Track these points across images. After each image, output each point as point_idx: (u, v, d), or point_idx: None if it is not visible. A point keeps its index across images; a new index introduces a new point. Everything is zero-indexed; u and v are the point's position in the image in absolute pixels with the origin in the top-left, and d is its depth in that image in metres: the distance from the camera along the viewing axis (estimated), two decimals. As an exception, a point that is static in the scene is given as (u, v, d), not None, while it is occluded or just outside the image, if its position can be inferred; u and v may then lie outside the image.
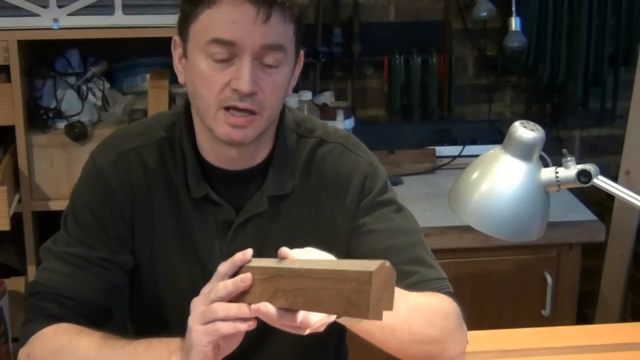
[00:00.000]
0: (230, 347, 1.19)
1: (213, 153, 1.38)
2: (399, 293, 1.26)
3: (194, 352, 1.16)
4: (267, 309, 1.10)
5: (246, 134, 1.29)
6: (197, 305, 1.17)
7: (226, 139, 1.29)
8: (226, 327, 1.14)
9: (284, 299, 1.10)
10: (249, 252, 1.17)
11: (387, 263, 1.03)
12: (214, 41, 1.25)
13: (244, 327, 1.14)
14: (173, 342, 1.23)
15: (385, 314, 1.05)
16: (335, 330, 1.40)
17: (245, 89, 1.25)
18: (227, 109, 1.28)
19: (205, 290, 1.18)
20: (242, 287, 1.14)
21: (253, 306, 1.12)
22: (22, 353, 1.35)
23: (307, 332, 1.11)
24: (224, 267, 1.18)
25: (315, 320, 1.10)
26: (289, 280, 1.09)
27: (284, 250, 1.15)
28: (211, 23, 1.26)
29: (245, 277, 1.14)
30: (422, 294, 1.33)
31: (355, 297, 1.02)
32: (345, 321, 1.18)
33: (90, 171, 1.41)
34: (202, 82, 1.28)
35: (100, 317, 1.38)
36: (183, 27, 1.31)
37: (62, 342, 1.31)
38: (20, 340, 1.37)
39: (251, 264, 1.17)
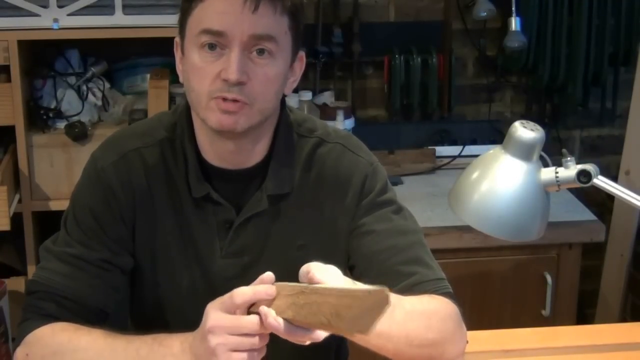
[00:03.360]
0: None
1: (213, 151, 1.38)
2: (395, 299, 1.26)
3: None
4: (278, 323, 1.12)
5: (236, 121, 1.29)
6: (220, 320, 1.16)
7: (217, 126, 1.29)
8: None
9: (293, 311, 1.12)
10: (273, 289, 1.16)
11: (387, 290, 1.05)
12: (204, 32, 1.27)
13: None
14: (174, 345, 1.23)
15: (382, 321, 1.06)
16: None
17: (232, 77, 1.25)
18: (217, 98, 1.28)
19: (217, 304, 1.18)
20: (264, 297, 1.15)
21: (264, 312, 1.13)
22: (20, 352, 1.35)
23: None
24: (242, 291, 1.16)
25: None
26: (307, 296, 1.11)
27: (314, 276, 1.15)
28: (202, 15, 1.27)
29: (269, 291, 1.15)
30: (419, 297, 1.33)
31: (345, 311, 1.05)
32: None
33: (91, 172, 1.41)
34: (194, 74, 1.29)
35: (97, 318, 1.38)
36: (181, 25, 1.33)
37: (61, 341, 1.31)
38: (16, 339, 1.37)
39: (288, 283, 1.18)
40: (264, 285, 1.15)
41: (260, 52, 1.28)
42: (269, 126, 1.39)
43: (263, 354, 1.18)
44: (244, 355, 1.15)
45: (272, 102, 1.34)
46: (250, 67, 1.28)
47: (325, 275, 1.15)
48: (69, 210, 1.42)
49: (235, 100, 1.28)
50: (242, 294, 1.15)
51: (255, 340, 1.15)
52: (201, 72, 1.28)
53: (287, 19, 1.30)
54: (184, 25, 1.32)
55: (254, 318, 1.15)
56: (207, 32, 1.26)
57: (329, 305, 1.07)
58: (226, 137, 1.33)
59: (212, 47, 1.27)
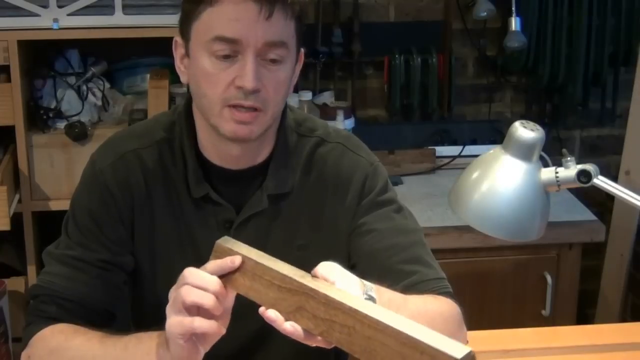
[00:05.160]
0: (209, 342, 1.16)
1: (215, 152, 1.38)
2: (400, 299, 1.25)
3: (171, 343, 1.15)
4: (296, 329, 1.07)
5: (251, 130, 1.29)
6: (172, 294, 1.16)
7: (232, 135, 1.30)
8: (201, 325, 1.12)
9: (313, 323, 1.05)
10: (238, 259, 1.15)
11: (472, 352, 0.93)
12: (217, 39, 1.26)
13: (215, 329, 1.13)
14: (160, 335, 1.23)
15: None
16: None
17: (249, 85, 1.25)
18: (232, 106, 1.28)
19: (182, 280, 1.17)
20: (231, 268, 1.13)
21: (277, 319, 1.09)
22: (24, 355, 1.36)
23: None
24: (211, 265, 1.16)
25: None
26: (322, 306, 1.04)
27: (317, 271, 1.11)
28: (214, 21, 1.26)
29: (234, 259, 1.13)
30: (423, 297, 1.33)
31: None
32: None
33: (89, 174, 1.41)
34: (206, 80, 1.29)
35: (100, 319, 1.38)
36: (185, 27, 1.31)
37: (58, 341, 1.32)
38: (22, 343, 1.38)
39: (253, 256, 1.14)
40: (228, 259, 1.14)
41: (272, 58, 1.28)
42: (274, 128, 1.39)
43: (216, 330, 1.13)
44: (187, 320, 1.12)
45: (281, 105, 1.35)
46: (264, 74, 1.27)
47: (330, 273, 1.11)
48: (69, 213, 1.43)
49: (251, 108, 1.27)
50: (212, 262, 1.16)
51: (207, 300, 1.12)
52: (214, 79, 1.27)
53: (294, 23, 1.30)
54: (189, 27, 1.30)
55: (213, 277, 1.13)
56: (220, 39, 1.25)
57: (393, 352, 0.95)
58: (236, 142, 1.33)
59: (226, 55, 1.27)
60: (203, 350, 1.16)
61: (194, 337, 1.14)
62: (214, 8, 1.26)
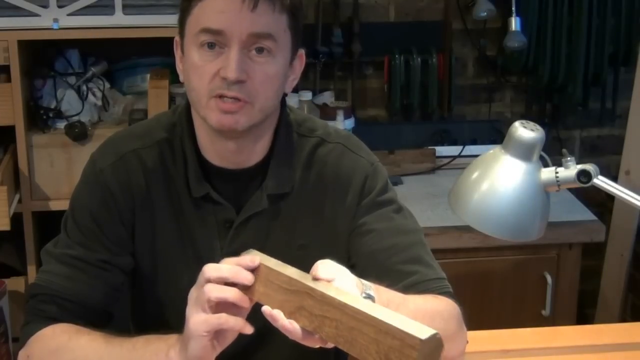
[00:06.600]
0: (226, 341, 1.18)
1: (213, 150, 1.38)
2: (400, 298, 1.26)
3: (192, 342, 1.16)
4: (294, 327, 1.09)
5: (237, 120, 1.29)
6: (193, 294, 1.17)
7: (218, 125, 1.30)
8: (227, 320, 1.13)
9: (309, 320, 1.08)
10: (257, 259, 1.17)
11: (439, 335, 0.98)
12: (203, 31, 1.27)
13: (241, 325, 1.14)
14: (171, 337, 1.23)
15: None
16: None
17: (232, 76, 1.26)
18: (218, 97, 1.28)
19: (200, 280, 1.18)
20: (249, 267, 1.15)
21: (279, 317, 1.10)
22: (22, 354, 1.35)
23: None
24: (228, 262, 1.18)
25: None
26: (318, 304, 1.07)
27: (318, 274, 1.12)
28: (202, 14, 1.28)
29: (254, 259, 1.16)
30: (423, 297, 1.33)
31: (396, 356, 0.98)
32: None
33: (90, 173, 1.41)
34: (194, 72, 1.30)
35: (99, 319, 1.38)
36: (181, 24, 1.33)
37: (60, 341, 1.31)
38: (20, 342, 1.37)
39: (271, 264, 1.16)
40: (248, 257, 1.16)
41: (259, 50, 1.28)
42: (270, 125, 1.39)
43: (242, 327, 1.15)
44: (213, 317, 1.13)
45: (272, 100, 1.34)
46: (250, 66, 1.28)
47: (329, 273, 1.12)
48: (68, 212, 1.43)
49: (235, 99, 1.28)
50: (229, 259, 1.17)
51: (232, 293, 1.13)
52: (200, 71, 1.28)
53: (286, 17, 1.30)
54: (184, 24, 1.32)
55: (232, 267, 1.15)
56: (206, 31, 1.27)
57: (370, 340, 1.00)
58: (227, 136, 1.33)
59: (211, 45, 1.28)
60: (218, 350, 1.17)
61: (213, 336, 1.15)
62: (203, 2, 1.27)
